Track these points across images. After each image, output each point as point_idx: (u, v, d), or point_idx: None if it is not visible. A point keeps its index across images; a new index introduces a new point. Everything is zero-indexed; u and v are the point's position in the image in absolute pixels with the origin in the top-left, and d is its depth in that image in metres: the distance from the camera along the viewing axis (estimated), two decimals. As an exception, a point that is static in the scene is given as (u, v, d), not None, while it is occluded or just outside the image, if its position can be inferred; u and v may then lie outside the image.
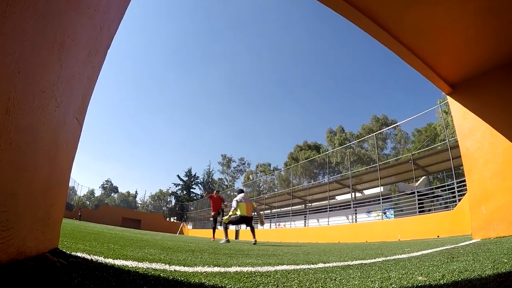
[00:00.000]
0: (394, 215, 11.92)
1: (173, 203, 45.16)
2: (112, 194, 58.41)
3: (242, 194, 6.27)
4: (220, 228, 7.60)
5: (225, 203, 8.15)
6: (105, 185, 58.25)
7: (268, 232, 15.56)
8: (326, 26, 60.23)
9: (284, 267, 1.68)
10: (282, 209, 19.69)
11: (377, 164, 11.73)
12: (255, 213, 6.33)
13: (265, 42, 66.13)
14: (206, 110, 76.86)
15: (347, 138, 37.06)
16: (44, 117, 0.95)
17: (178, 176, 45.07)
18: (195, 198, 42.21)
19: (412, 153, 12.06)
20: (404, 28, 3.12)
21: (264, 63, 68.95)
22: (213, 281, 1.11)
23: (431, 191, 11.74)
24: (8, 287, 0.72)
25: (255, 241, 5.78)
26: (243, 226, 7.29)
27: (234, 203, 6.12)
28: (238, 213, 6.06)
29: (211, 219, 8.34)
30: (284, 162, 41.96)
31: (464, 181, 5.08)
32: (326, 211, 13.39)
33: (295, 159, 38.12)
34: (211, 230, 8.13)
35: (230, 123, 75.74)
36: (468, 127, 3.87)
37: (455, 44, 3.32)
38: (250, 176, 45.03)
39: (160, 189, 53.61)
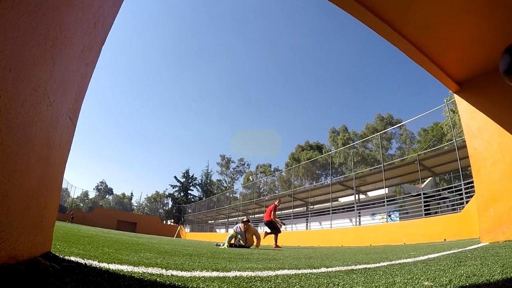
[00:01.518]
0: (399, 218, 11.80)
1: (170, 205, 44.37)
2: (107, 196, 57.11)
3: (241, 225, 5.98)
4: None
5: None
6: (100, 187, 57.30)
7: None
8: (329, 22, 59.69)
9: (285, 271, 1.65)
10: (283, 211, 19.60)
11: (382, 165, 11.61)
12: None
13: (266, 39, 65.45)
14: (204, 109, 75.64)
15: (350, 138, 36.80)
16: (36, 116, 0.93)
17: (175, 178, 44.68)
18: (192, 200, 41.88)
19: (418, 153, 11.92)
20: (409, 23, 3.05)
21: (264, 61, 68.10)
22: (212, 286, 1.09)
23: (438, 192, 11.60)
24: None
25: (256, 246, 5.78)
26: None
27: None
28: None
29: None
30: (285, 162, 41.98)
31: (472, 182, 4.99)
32: (329, 213, 13.29)
33: (297, 160, 38.01)
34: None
35: (229, 122, 75.02)
36: (476, 126, 3.79)
37: (463, 39, 3.24)
38: (250, 177, 44.86)
39: (156, 191, 52.59)
